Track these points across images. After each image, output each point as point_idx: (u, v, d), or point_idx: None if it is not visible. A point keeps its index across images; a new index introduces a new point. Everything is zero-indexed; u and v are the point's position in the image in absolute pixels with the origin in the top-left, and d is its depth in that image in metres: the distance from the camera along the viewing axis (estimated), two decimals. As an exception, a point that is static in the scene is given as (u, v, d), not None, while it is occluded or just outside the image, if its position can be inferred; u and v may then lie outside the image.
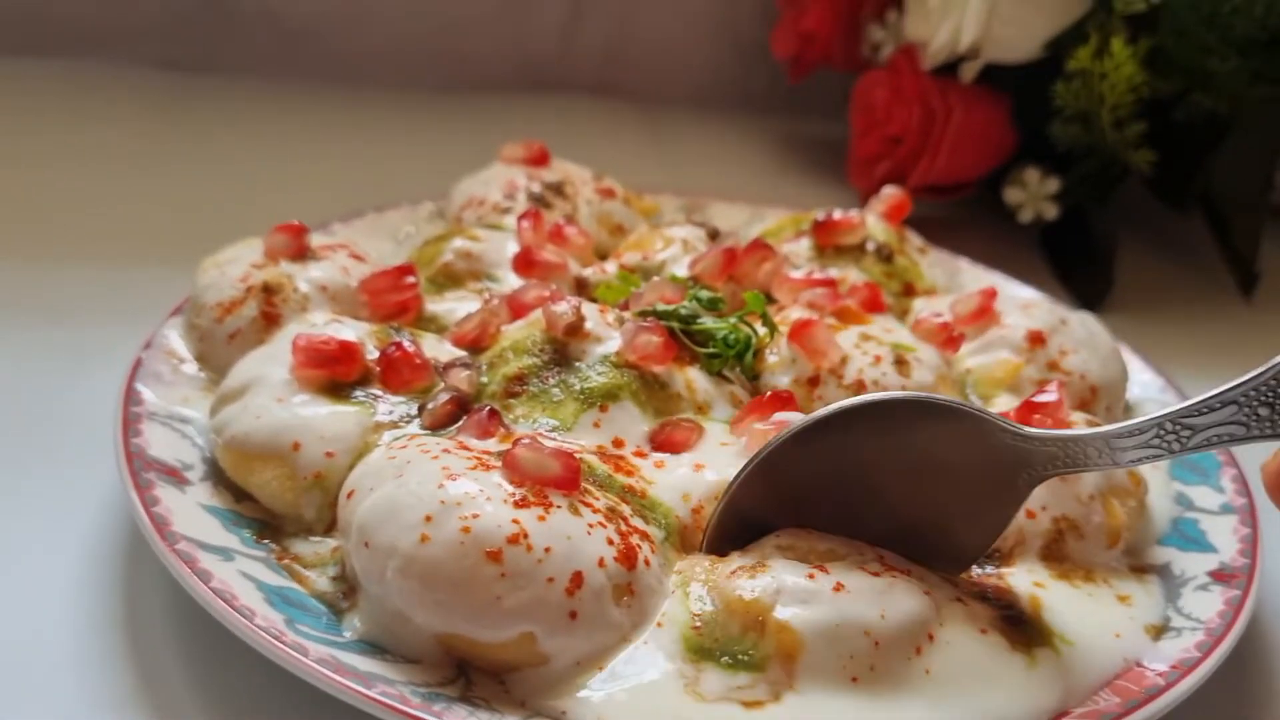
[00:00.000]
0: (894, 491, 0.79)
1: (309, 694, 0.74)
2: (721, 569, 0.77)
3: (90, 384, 1.04)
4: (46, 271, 1.25)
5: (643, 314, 0.96)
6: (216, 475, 0.87)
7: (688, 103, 2.00)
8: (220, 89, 1.77)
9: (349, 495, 0.78)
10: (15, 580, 0.85)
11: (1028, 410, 0.90)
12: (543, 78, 1.97)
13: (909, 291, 1.17)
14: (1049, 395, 0.91)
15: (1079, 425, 0.92)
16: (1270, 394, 0.69)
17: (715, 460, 0.85)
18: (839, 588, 0.74)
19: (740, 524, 0.80)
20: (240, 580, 0.75)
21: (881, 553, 0.79)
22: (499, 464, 0.77)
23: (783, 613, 0.72)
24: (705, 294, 1.00)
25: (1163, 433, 0.72)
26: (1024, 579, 0.84)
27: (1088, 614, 0.83)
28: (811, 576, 0.74)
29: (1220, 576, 0.87)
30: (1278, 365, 0.69)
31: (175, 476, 0.85)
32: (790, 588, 0.74)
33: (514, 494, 0.74)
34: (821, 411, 0.79)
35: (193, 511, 0.82)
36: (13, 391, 1.05)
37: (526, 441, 0.77)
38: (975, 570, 0.83)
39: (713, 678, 0.72)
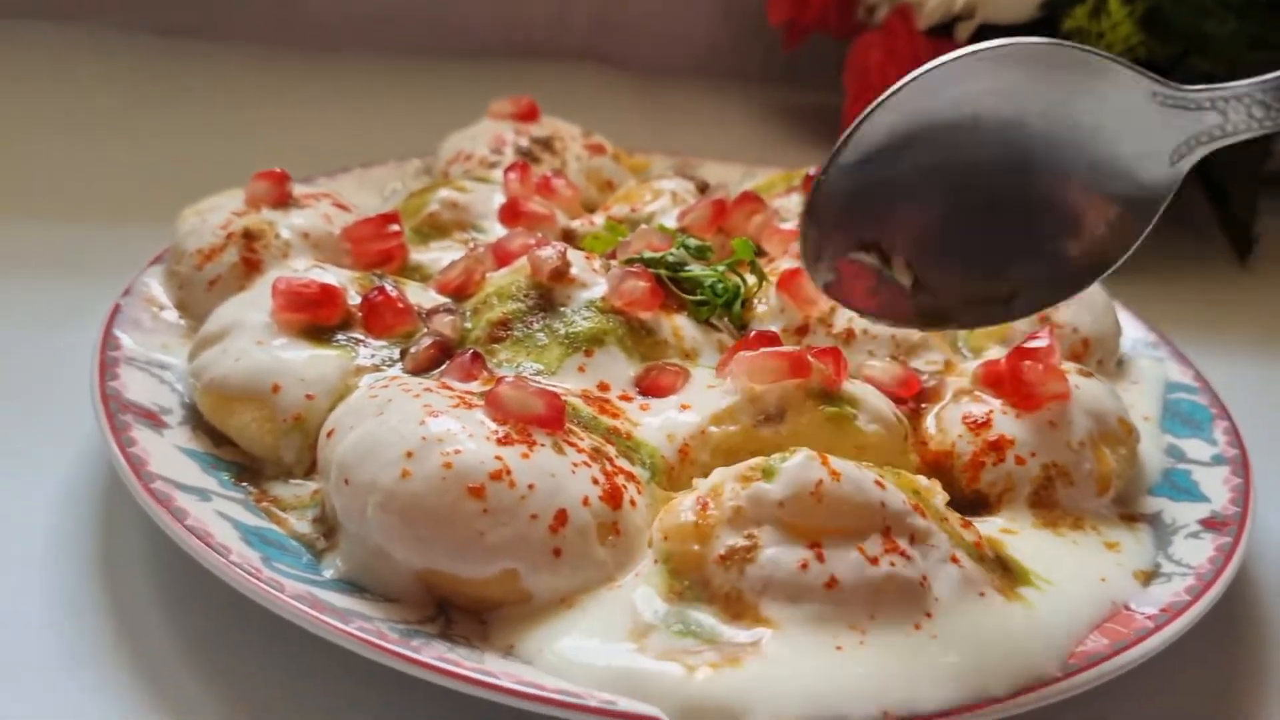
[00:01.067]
0: (1011, 184, 0.68)
1: (287, 635, 0.73)
2: (711, 547, 0.70)
3: (71, 335, 1.02)
4: (30, 228, 1.24)
5: (630, 261, 0.95)
6: (195, 420, 0.86)
7: (680, 71, 1.98)
8: (211, 54, 1.76)
9: (329, 434, 0.76)
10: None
11: (1019, 355, 0.89)
12: (534, 45, 1.96)
13: (900, 247, 1.15)
14: (1041, 341, 0.90)
15: (1072, 373, 0.91)
16: None
17: (701, 401, 0.83)
18: (831, 584, 0.69)
19: (830, 229, 0.70)
20: (217, 520, 0.74)
21: (889, 522, 0.72)
22: (482, 403, 0.76)
23: (768, 609, 0.69)
24: (693, 242, 0.99)
25: None
26: (993, 527, 0.83)
27: (1067, 558, 0.82)
28: (804, 566, 0.69)
29: (1211, 524, 0.86)
30: None
31: (153, 419, 0.83)
32: (780, 581, 0.69)
33: (497, 431, 0.73)
34: (938, 60, 0.66)
35: (170, 454, 0.80)
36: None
37: (510, 380, 0.76)
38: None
39: (665, 638, 0.69)
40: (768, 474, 0.72)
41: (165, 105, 1.61)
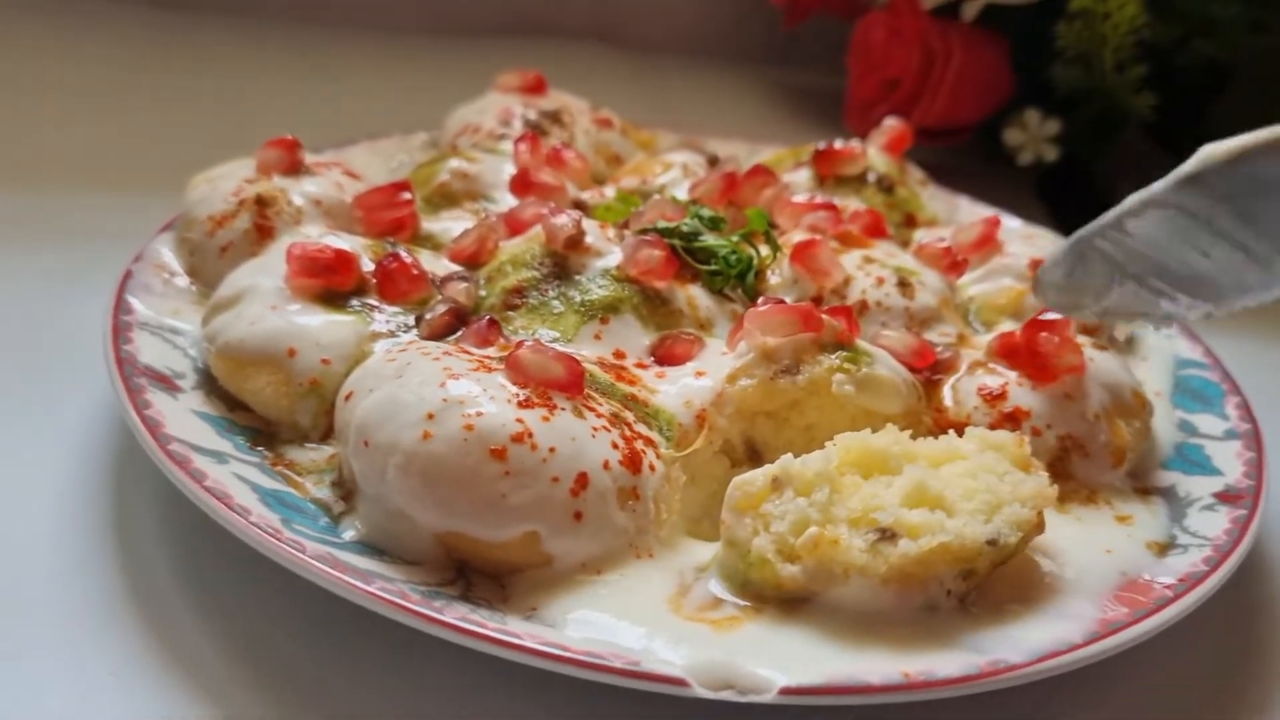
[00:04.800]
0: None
1: (302, 595, 0.73)
2: (791, 541, 0.70)
3: (80, 301, 1.01)
4: (36, 197, 1.23)
5: (644, 231, 0.94)
6: (209, 385, 0.85)
7: (680, 51, 1.97)
8: (212, 27, 1.75)
9: (347, 397, 0.76)
10: (4, 488, 0.83)
11: (1035, 328, 0.89)
12: (535, 23, 1.94)
13: (910, 222, 1.15)
14: (1056, 313, 0.89)
15: (1086, 346, 0.91)
16: None
17: (717, 368, 0.83)
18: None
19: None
20: (235, 482, 0.74)
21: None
22: (501, 367, 0.75)
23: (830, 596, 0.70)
24: (707, 212, 0.98)
25: None
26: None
27: (1071, 532, 0.82)
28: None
29: (1226, 498, 0.87)
30: None
31: (166, 383, 0.83)
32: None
33: (518, 394, 0.73)
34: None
35: (185, 417, 0.80)
36: (4, 310, 1.03)
37: (530, 344, 0.76)
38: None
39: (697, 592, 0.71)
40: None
41: (167, 78, 1.60)
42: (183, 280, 0.95)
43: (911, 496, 0.72)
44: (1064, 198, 1.56)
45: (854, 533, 0.70)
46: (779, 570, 0.70)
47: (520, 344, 0.76)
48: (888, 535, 0.70)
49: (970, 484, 0.74)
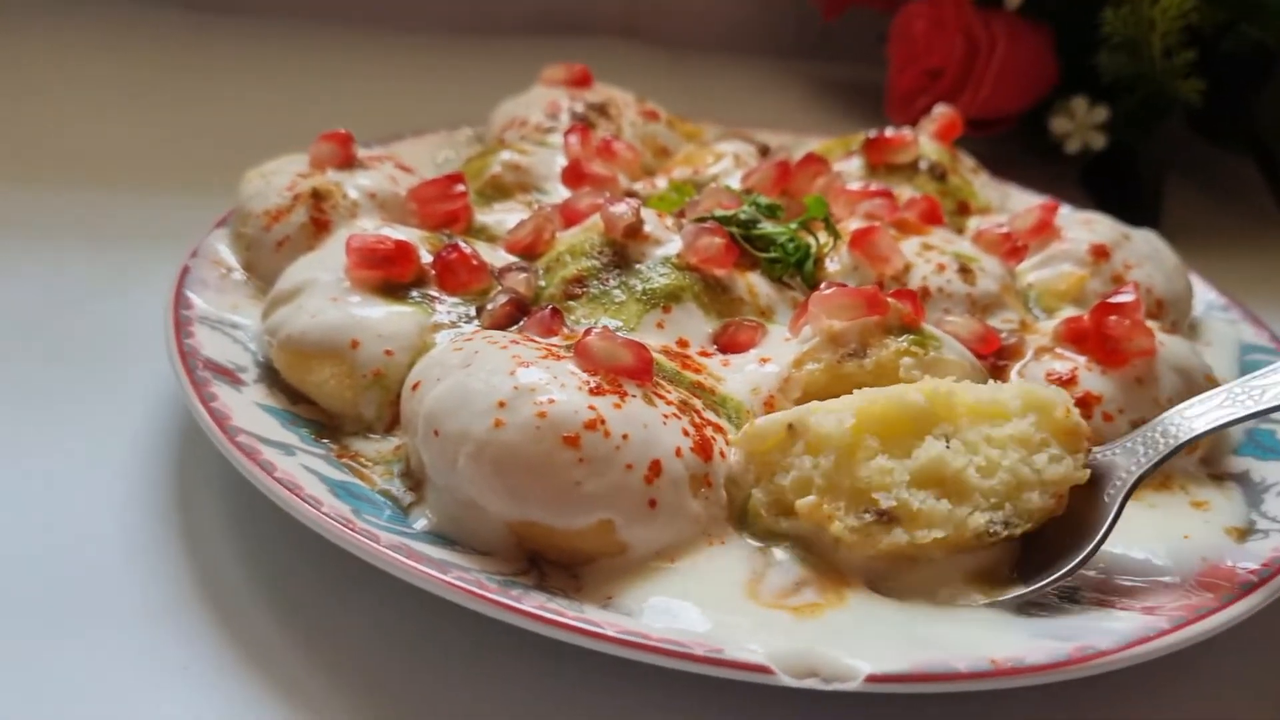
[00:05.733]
0: None
1: (372, 585, 0.72)
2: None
3: (134, 297, 1.02)
4: (85, 198, 1.23)
5: (701, 219, 0.93)
6: (271, 378, 0.84)
7: (716, 47, 1.97)
8: (248, 29, 1.75)
9: (414, 387, 0.75)
10: (66, 486, 0.83)
11: (1104, 311, 0.87)
12: (567, 21, 1.94)
13: (964, 210, 1.14)
14: (1126, 295, 0.88)
15: (1155, 330, 0.89)
16: None
17: (781, 354, 0.82)
18: None
19: None
20: (304, 473, 0.73)
21: None
22: (569, 355, 0.74)
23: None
24: (764, 200, 0.97)
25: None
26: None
27: (1145, 521, 0.81)
28: None
29: (1302, 482, 0.85)
30: None
31: (230, 377, 0.82)
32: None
33: (589, 381, 0.72)
34: None
35: (250, 409, 0.79)
36: (58, 307, 1.04)
37: (598, 331, 0.75)
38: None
39: (774, 578, 0.70)
40: None
41: (205, 78, 1.61)
42: (239, 275, 0.95)
43: (925, 473, 0.71)
44: (1108, 185, 1.55)
45: (852, 509, 0.70)
46: (772, 524, 0.72)
47: (588, 331, 0.75)
48: (885, 518, 0.69)
49: (995, 457, 0.72)
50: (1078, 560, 0.71)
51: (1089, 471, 0.73)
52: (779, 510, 0.72)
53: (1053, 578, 0.71)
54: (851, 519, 0.69)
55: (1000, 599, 0.70)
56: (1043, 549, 0.73)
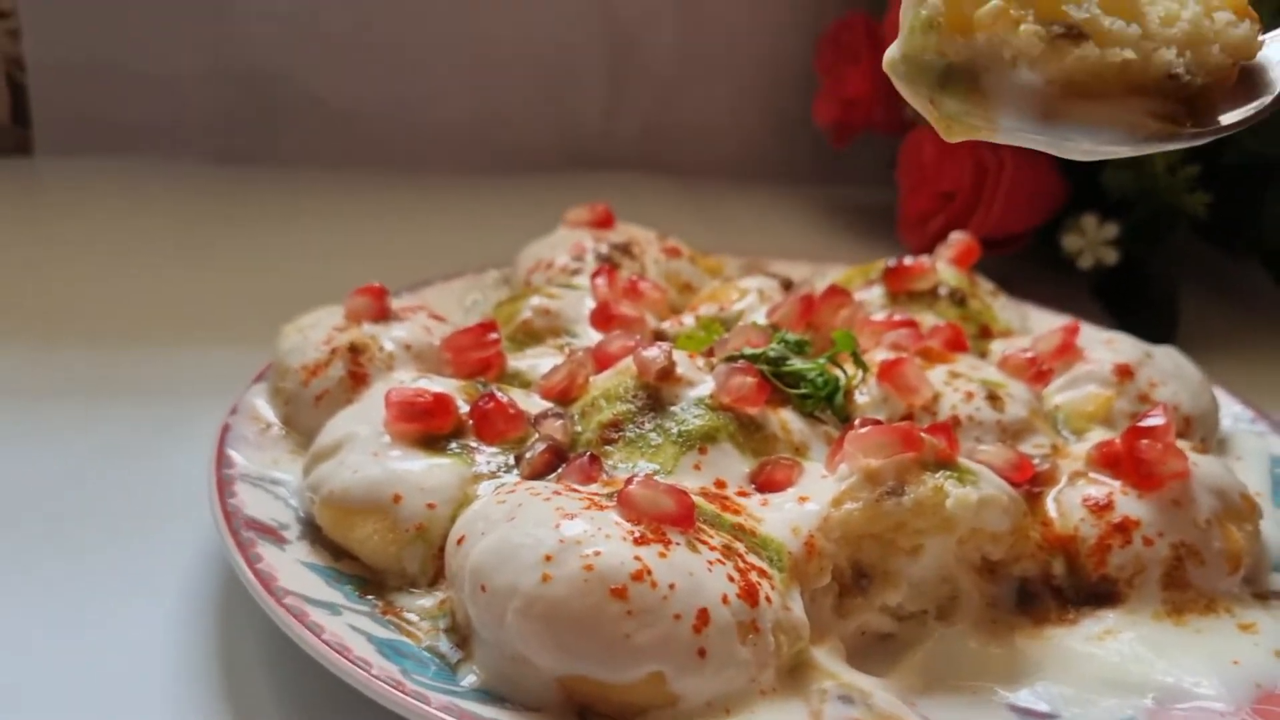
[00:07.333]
0: None
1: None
2: None
3: (175, 453, 1.03)
4: (123, 355, 1.26)
5: (731, 358, 0.95)
6: (313, 534, 0.85)
7: (731, 175, 2.02)
8: (274, 178, 1.81)
9: (459, 541, 0.76)
10: (107, 645, 0.83)
11: (1135, 435, 0.88)
12: (587, 157, 1.99)
13: (985, 333, 1.16)
14: (1156, 419, 0.89)
15: (1186, 451, 0.90)
16: None
17: (819, 491, 0.83)
18: None
19: None
20: (351, 633, 0.73)
21: None
22: (611, 504, 0.75)
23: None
24: (792, 336, 0.99)
25: None
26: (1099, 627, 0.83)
27: (1193, 646, 0.80)
28: None
29: (1348, 599, 0.85)
30: None
31: (273, 535, 0.83)
32: None
33: (633, 531, 0.72)
34: None
35: (294, 568, 0.80)
36: (99, 465, 1.05)
37: (640, 479, 0.76)
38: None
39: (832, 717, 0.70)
40: None
41: (233, 230, 1.65)
42: (278, 429, 0.97)
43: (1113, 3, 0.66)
44: (1119, 298, 1.56)
45: (1040, 20, 0.64)
46: (946, 44, 0.65)
47: (630, 479, 0.76)
48: (1073, 34, 0.64)
49: (1175, 10, 0.67)
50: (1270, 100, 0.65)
51: (1264, 42, 0.68)
52: (955, 26, 0.65)
53: (1249, 113, 0.66)
54: (1039, 27, 0.64)
55: (1180, 143, 0.66)
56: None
